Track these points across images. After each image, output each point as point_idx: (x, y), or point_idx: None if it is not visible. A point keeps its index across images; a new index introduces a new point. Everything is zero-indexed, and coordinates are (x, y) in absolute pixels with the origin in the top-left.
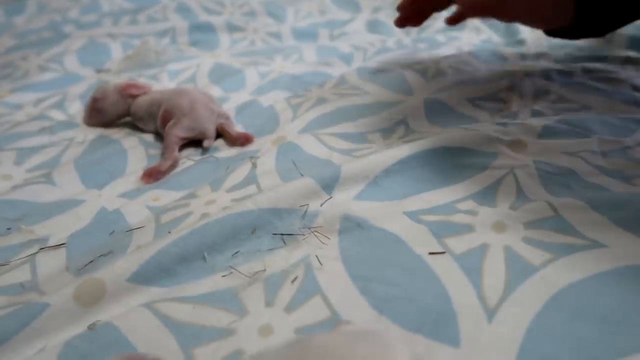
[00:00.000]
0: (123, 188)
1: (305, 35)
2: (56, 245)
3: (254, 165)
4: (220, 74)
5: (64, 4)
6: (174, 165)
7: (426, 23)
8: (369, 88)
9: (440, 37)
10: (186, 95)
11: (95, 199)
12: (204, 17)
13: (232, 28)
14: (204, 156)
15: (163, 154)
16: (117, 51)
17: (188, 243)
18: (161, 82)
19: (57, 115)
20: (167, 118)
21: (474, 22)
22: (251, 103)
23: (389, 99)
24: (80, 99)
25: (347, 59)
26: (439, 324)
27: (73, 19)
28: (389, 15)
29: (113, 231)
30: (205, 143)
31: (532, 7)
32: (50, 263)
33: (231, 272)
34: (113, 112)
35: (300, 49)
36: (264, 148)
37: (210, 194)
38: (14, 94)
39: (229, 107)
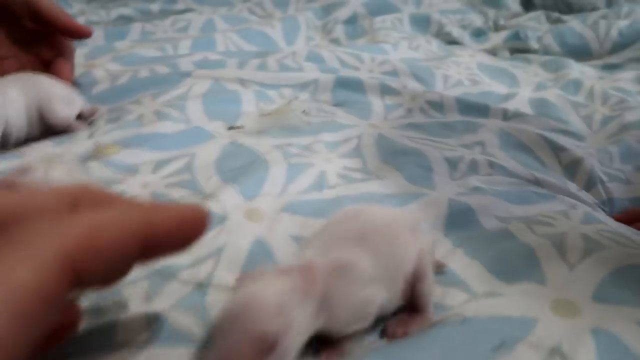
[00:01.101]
0: None
1: (474, 110)
2: None
3: None
4: (391, 151)
5: (172, 34)
6: None
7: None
8: None
9: None
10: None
11: None
12: (345, 72)
13: (384, 90)
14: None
15: None
16: (249, 102)
17: None
18: (319, 155)
19: (186, 194)
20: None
21: None
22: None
23: None
24: (217, 171)
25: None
26: None
27: (185, 52)
28: (558, 95)
29: None
30: None
31: None
32: None
33: None
34: None
35: (476, 128)
36: None
37: None
38: (126, 149)
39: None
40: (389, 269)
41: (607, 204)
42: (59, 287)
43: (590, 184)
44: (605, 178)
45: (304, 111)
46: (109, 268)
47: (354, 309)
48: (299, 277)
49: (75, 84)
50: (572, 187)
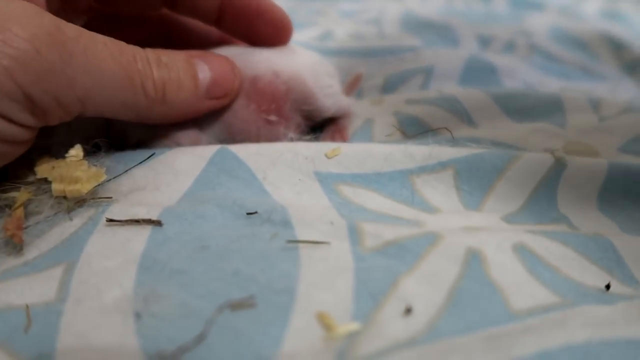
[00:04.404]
0: None
1: (525, 4)
2: None
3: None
4: (415, 23)
5: None
6: None
7: None
8: None
9: None
10: None
11: None
12: None
13: None
14: None
15: None
16: None
17: None
18: (327, 18)
19: None
20: None
21: None
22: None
23: None
24: None
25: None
26: None
27: None
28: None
29: None
30: None
31: None
32: None
33: None
34: None
35: (520, 19)
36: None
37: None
38: None
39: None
40: None
41: None
42: None
43: None
44: None
45: None
46: None
47: None
48: None
49: None
50: (628, 82)
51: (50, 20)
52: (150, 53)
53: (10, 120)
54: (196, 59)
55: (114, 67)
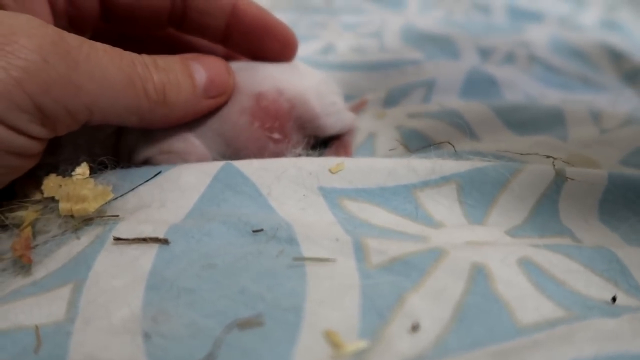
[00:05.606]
0: None
1: (524, 15)
2: None
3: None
4: (416, 35)
5: None
6: None
7: None
8: None
9: None
10: None
11: None
12: None
13: None
14: None
15: None
16: None
17: None
18: (329, 31)
19: None
20: None
21: None
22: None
23: None
24: None
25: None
26: None
27: None
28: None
29: None
30: None
31: None
32: None
33: None
34: None
35: (520, 30)
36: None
37: None
38: None
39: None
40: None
41: None
42: None
43: None
44: None
45: None
46: None
47: None
48: None
49: None
50: (629, 92)
51: (54, 31)
52: (147, 58)
53: (20, 132)
54: (190, 61)
55: (115, 72)
